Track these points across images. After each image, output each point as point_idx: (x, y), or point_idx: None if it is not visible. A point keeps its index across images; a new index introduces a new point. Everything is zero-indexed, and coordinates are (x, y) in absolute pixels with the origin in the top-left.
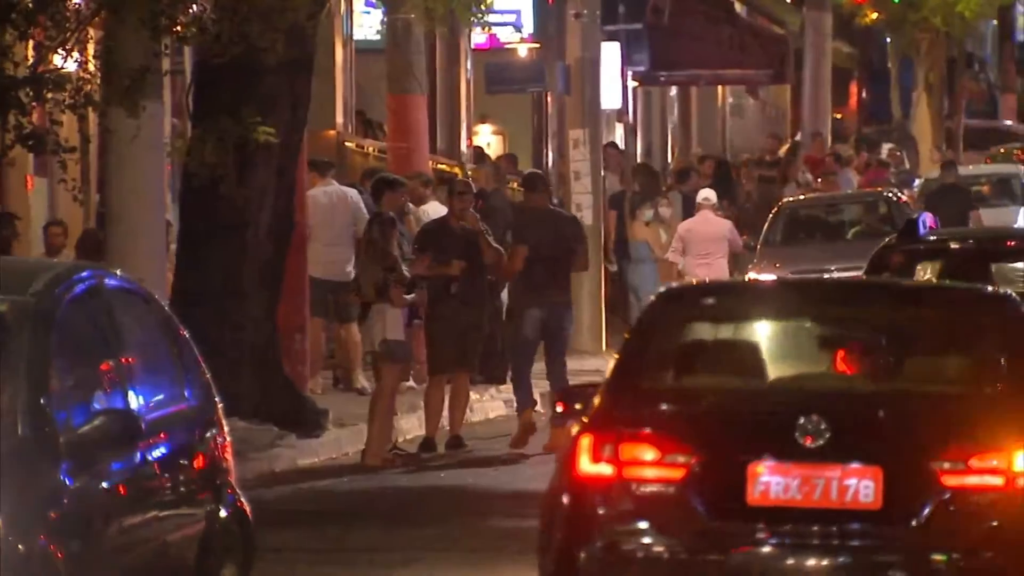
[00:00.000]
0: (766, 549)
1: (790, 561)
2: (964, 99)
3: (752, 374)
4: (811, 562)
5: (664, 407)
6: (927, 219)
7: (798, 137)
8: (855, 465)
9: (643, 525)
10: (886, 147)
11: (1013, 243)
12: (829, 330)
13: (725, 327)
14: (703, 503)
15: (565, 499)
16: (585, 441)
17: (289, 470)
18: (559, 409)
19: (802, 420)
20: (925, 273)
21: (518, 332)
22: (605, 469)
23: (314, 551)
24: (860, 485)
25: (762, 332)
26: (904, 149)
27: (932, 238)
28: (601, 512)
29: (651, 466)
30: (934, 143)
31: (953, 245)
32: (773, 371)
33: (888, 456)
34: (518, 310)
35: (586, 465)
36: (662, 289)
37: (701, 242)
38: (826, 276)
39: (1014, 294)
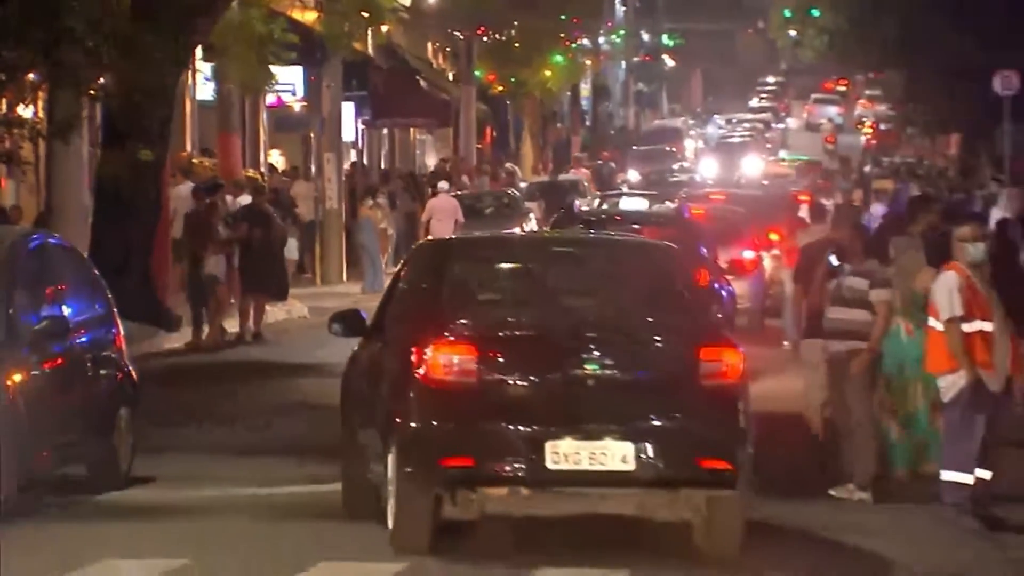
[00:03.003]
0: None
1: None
2: (551, 138)
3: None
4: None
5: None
6: (579, 203)
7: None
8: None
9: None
10: (507, 166)
11: (620, 217)
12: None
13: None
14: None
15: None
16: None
17: (157, 351)
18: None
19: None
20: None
21: None
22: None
23: (173, 399)
24: None
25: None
26: (517, 168)
27: (581, 214)
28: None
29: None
30: (533, 165)
31: (591, 219)
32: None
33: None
34: None
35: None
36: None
37: (440, 212)
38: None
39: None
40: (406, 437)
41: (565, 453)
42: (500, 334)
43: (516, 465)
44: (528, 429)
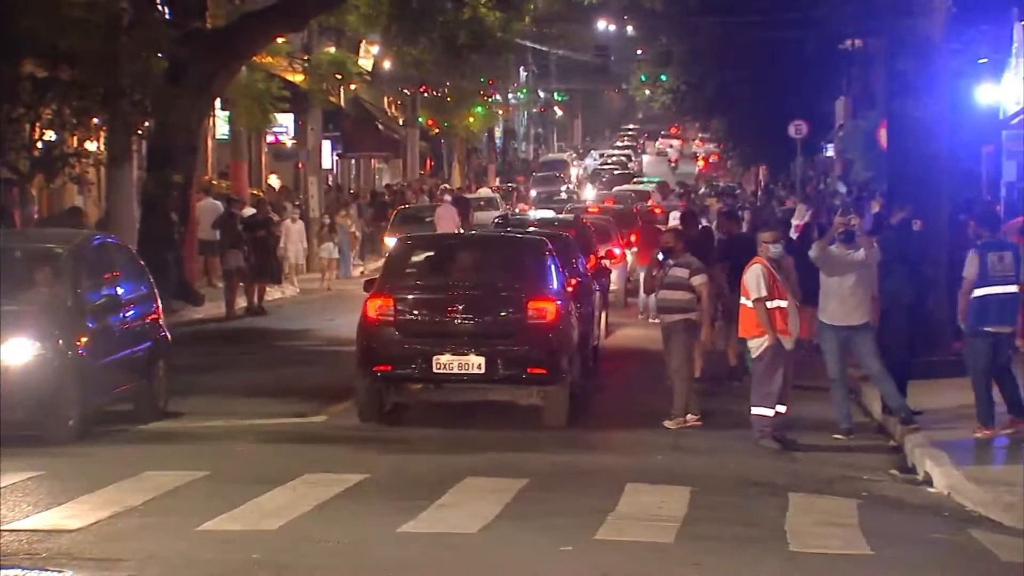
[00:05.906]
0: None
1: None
2: (474, 167)
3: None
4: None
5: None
6: (509, 213)
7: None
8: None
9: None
10: (444, 186)
11: (536, 223)
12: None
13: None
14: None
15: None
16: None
17: (186, 320)
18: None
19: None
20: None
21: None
22: (373, 314)
23: (198, 355)
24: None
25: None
26: (451, 187)
27: (510, 219)
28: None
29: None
30: (460, 186)
31: (517, 223)
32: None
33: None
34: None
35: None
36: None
37: (444, 214)
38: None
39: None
40: (358, 353)
41: (444, 363)
42: (410, 293)
43: (416, 369)
44: (423, 348)
